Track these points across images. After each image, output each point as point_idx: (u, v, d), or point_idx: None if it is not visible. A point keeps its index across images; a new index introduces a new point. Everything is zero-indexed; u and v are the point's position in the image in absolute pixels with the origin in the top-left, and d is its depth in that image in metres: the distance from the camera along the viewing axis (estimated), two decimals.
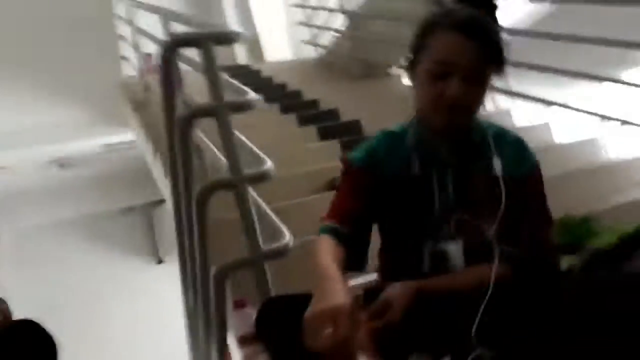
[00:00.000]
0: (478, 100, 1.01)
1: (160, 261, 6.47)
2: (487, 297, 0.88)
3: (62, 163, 5.20)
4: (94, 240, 6.28)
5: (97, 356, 5.08)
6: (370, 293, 1.16)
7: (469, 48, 0.96)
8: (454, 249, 1.01)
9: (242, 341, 1.41)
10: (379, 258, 1.17)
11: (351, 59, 4.21)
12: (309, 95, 3.83)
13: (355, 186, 1.12)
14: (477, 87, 0.99)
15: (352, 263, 1.12)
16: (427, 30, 1.01)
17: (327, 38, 4.84)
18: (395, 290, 0.96)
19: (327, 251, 1.02)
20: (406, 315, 0.92)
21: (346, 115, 3.37)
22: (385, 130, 1.17)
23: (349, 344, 0.79)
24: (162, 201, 5.94)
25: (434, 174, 1.05)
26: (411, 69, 1.04)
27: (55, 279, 5.54)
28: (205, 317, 1.82)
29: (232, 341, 1.69)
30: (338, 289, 0.89)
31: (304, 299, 1.00)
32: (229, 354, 1.83)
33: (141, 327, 5.91)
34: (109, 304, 5.95)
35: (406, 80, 1.05)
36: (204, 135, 1.91)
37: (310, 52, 5.17)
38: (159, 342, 5.75)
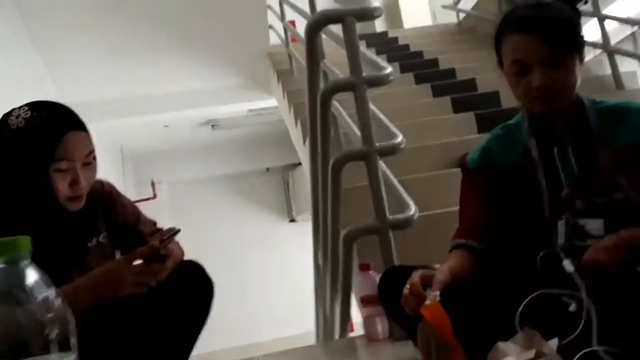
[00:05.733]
0: (567, 80, 1.04)
1: (292, 220, 6.92)
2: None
3: (214, 124, 5.76)
4: (237, 195, 6.90)
5: (234, 298, 5.68)
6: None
7: (534, 43, 1.03)
8: (594, 225, 1.01)
9: (364, 301, 1.52)
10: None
11: (494, 23, 4.01)
12: (445, 64, 3.76)
13: (476, 190, 1.18)
14: (562, 69, 1.03)
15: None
16: (497, 36, 1.11)
17: (468, 2, 4.64)
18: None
19: (452, 259, 1.11)
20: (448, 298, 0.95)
21: (484, 87, 3.27)
22: (500, 125, 1.21)
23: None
24: (298, 164, 6.31)
25: (555, 153, 1.07)
26: (500, 67, 1.12)
27: (202, 227, 6.24)
28: (332, 275, 1.98)
29: (355, 300, 1.82)
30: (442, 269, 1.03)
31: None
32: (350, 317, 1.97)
33: (272, 276, 6.45)
34: (246, 253, 6.56)
35: None
36: (340, 105, 2.03)
37: (451, 18, 5.01)
38: (287, 291, 6.24)
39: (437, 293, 0.94)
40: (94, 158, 1.16)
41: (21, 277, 0.54)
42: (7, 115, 1.12)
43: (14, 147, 1.09)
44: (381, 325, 1.49)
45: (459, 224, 1.19)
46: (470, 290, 1.02)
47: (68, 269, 1.14)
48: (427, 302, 0.91)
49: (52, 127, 1.10)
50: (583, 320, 0.87)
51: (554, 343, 0.78)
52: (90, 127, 1.20)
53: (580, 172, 1.05)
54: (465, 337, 0.90)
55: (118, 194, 1.34)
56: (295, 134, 3.29)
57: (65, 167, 1.10)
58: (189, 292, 1.26)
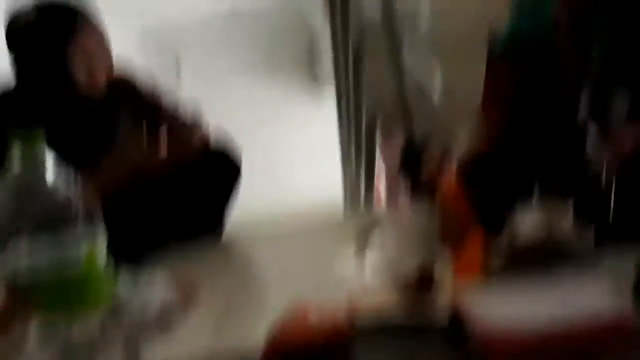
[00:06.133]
0: None
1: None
2: None
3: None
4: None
5: (260, 171, 5.84)
6: None
7: None
8: (618, 104, 0.97)
9: (387, 171, 1.56)
10: None
11: None
12: None
13: (500, 82, 1.12)
14: None
15: None
16: None
17: None
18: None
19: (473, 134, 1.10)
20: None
21: None
22: None
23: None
24: None
25: (588, 24, 1.01)
26: None
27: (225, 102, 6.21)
28: (357, 145, 2.02)
29: (379, 167, 1.87)
30: None
31: None
32: (378, 177, 2.03)
33: (300, 149, 6.55)
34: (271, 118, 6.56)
35: None
36: None
37: None
38: (314, 163, 6.37)
39: (455, 168, 0.95)
40: (110, 48, 1.17)
41: (40, 166, 0.60)
42: (13, 16, 1.11)
43: (24, 51, 1.12)
44: (403, 196, 1.55)
45: (482, 112, 1.15)
46: (490, 165, 1.03)
47: (95, 157, 1.20)
48: (444, 177, 0.93)
49: (61, 28, 1.11)
50: (602, 188, 0.88)
51: (569, 218, 0.80)
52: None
53: (612, 44, 0.99)
54: (484, 211, 0.93)
55: (139, 80, 1.34)
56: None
57: (80, 61, 1.12)
58: (215, 176, 1.31)
